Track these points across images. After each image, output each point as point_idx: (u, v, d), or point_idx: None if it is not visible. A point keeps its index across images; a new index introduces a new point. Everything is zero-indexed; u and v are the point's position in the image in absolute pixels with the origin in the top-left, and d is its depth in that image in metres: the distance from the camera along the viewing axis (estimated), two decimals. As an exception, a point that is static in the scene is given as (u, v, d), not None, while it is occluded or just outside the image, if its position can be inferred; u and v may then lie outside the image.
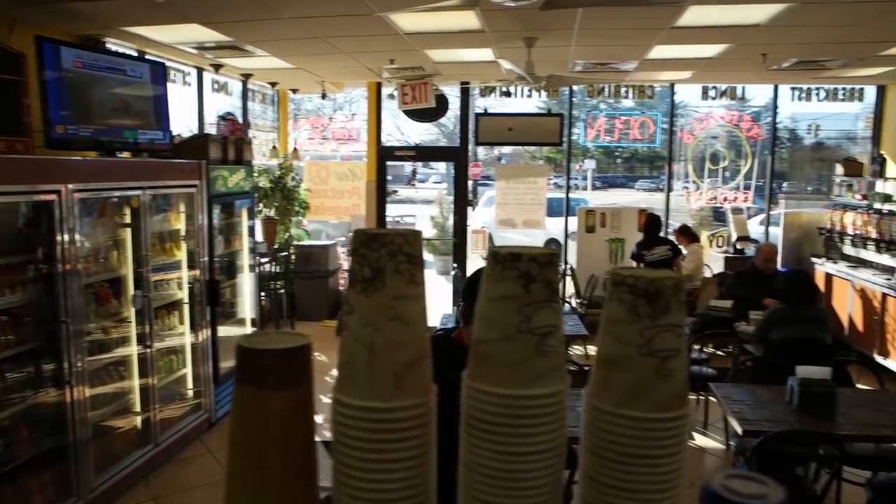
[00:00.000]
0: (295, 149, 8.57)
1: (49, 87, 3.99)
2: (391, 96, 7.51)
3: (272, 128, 8.44)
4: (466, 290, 2.14)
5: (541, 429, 0.88)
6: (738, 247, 7.84)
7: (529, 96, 8.04)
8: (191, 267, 5.00)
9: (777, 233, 8.18)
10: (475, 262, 9.12)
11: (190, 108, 6.90)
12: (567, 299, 7.59)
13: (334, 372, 0.94)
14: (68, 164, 3.87)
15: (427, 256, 13.22)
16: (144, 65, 4.91)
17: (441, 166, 19.88)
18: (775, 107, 8.11)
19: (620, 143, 8.58)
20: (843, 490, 3.57)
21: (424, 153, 9.99)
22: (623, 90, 7.98)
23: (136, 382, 4.49)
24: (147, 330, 4.47)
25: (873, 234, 6.67)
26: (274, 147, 7.98)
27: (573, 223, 8.26)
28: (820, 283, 7.51)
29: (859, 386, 4.30)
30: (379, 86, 8.17)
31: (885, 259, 6.50)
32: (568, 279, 8.26)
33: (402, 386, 0.88)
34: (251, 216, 6.04)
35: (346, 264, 8.30)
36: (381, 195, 8.27)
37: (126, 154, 4.66)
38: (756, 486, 0.93)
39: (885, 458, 3.65)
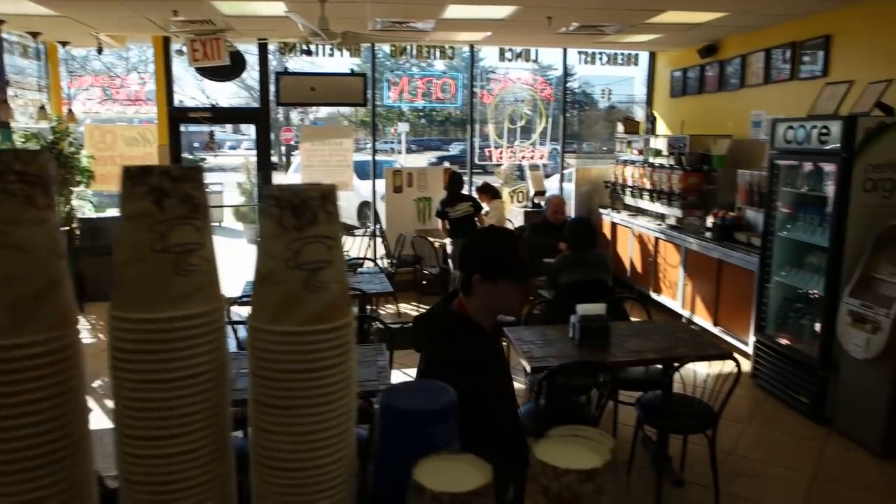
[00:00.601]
0: (70, 110, 7.67)
1: None
2: (180, 52, 6.95)
3: (42, 87, 7.48)
4: (462, 259, 2.05)
5: (190, 352, 0.83)
6: (536, 201, 8.35)
7: (332, 55, 7.85)
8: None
9: (570, 187, 8.83)
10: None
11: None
12: (377, 259, 7.66)
13: None
14: None
15: (236, 225, 12.69)
16: None
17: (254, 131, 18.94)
18: (565, 69, 8.66)
19: (425, 104, 8.70)
20: (619, 411, 3.96)
21: (222, 115, 9.39)
22: (426, 51, 8.07)
23: None
24: None
25: (648, 186, 7.41)
26: (42, 108, 7.07)
27: (383, 186, 8.29)
28: (607, 231, 8.25)
29: (633, 319, 4.77)
30: (166, 41, 7.54)
31: (657, 207, 7.26)
32: (378, 240, 8.33)
33: (23, 321, 0.79)
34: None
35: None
36: (176, 161, 7.70)
37: None
38: (418, 398, 0.98)
39: (652, 379, 4.09)
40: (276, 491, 0.88)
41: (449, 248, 7.04)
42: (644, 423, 3.77)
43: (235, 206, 12.66)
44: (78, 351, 0.85)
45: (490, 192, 7.75)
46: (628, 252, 7.72)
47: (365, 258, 7.15)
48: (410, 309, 7.39)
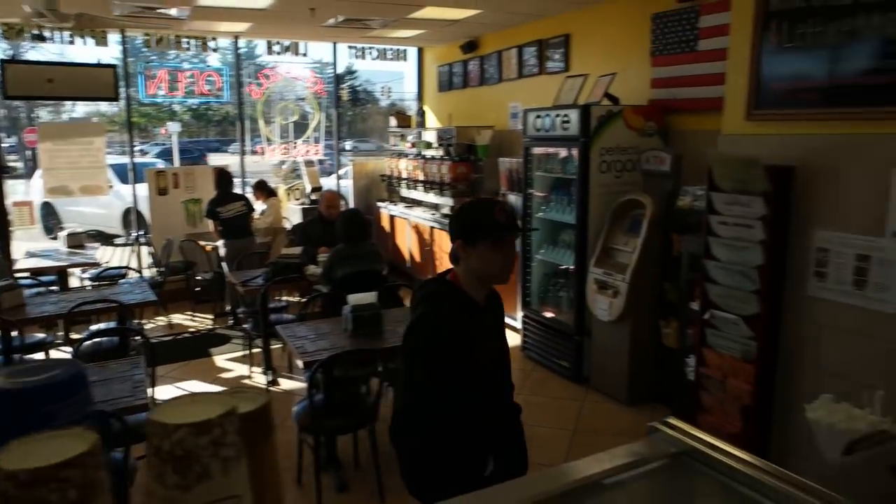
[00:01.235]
0: None
1: None
2: None
3: None
4: (448, 228, 2.12)
5: None
6: (313, 197, 8.20)
7: (72, 43, 6.99)
8: None
9: (348, 183, 8.81)
10: (23, 241, 7.82)
11: None
12: (142, 269, 7.00)
13: None
14: None
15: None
16: None
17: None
18: (335, 63, 8.61)
19: (187, 99, 8.11)
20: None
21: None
22: (184, 42, 7.52)
23: None
24: None
25: (421, 177, 7.63)
26: None
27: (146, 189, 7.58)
28: (385, 224, 8.37)
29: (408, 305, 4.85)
30: None
31: (430, 197, 7.51)
32: (145, 248, 7.62)
33: None
34: None
35: None
36: None
37: None
38: (34, 377, 0.85)
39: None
40: None
41: (222, 251, 6.62)
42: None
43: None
44: None
45: (265, 191, 7.47)
46: (406, 243, 7.90)
47: (127, 268, 6.49)
48: (184, 319, 6.86)
